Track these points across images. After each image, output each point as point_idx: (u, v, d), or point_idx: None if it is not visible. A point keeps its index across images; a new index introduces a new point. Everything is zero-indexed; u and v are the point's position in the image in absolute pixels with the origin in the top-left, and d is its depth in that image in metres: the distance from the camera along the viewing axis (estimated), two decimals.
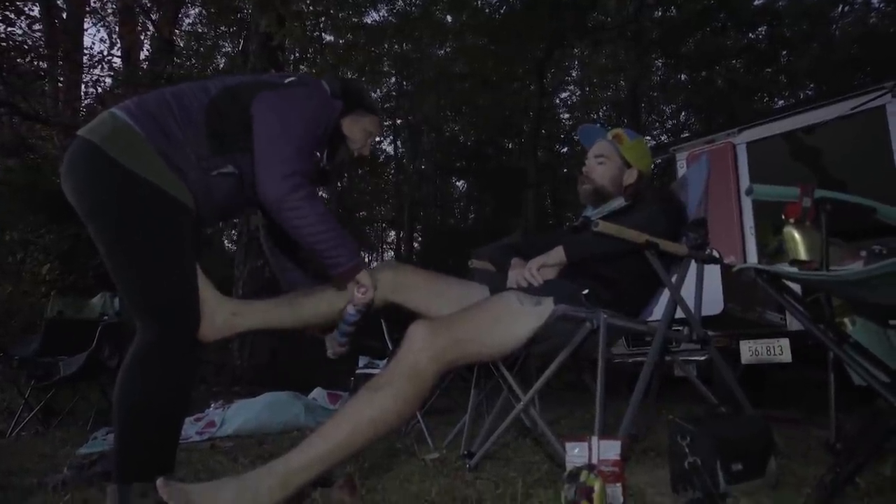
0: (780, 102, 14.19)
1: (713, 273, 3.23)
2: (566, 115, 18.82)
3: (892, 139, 4.02)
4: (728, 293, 3.58)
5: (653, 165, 2.18)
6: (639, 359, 4.13)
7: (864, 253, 1.20)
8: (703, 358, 3.97)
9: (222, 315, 1.68)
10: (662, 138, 18.55)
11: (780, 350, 3.83)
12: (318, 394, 3.83)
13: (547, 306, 1.71)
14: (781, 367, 3.95)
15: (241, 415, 3.27)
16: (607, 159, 2.11)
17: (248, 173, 1.63)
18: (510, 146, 18.13)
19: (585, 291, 1.82)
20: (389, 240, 20.82)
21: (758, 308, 3.87)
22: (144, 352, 1.51)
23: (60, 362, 3.81)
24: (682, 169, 5.01)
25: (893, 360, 1.35)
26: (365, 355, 3.95)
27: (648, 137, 17.76)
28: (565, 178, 15.90)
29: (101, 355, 3.88)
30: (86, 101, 8.08)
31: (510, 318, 1.67)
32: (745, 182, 4.66)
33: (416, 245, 18.94)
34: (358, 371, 4.15)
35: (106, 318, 4.14)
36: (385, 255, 20.62)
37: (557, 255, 1.89)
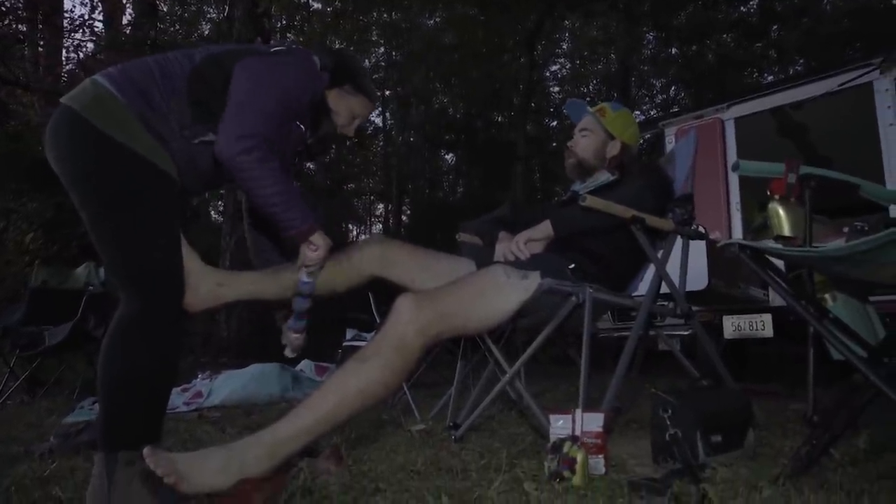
0: (770, 78, 14.18)
1: (698, 248, 3.26)
2: (556, 89, 18.71)
3: (879, 116, 4.04)
4: (712, 269, 3.61)
5: (640, 138, 2.18)
6: (624, 333, 4.17)
7: (846, 229, 1.21)
8: (686, 332, 4.03)
9: (207, 286, 1.68)
10: (652, 113, 18.52)
11: (762, 325, 3.89)
12: (305, 366, 3.84)
13: (533, 280, 1.72)
14: (763, 342, 4.02)
15: (228, 385, 3.29)
16: (590, 132, 2.12)
17: None
18: (499, 119, 18.02)
19: (572, 266, 1.83)
20: (378, 213, 20.78)
21: (741, 284, 3.92)
22: (127, 322, 1.50)
23: (45, 332, 3.79)
24: (670, 144, 5.01)
25: (871, 336, 1.38)
26: (352, 328, 3.97)
27: (638, 112, 17.74)
28: (554, 151, 15.85)
29: (87, 325, 3.86)
30: (67, 67, 7.90)
31: (496, 291, 1.68)
32: (732, 158, 4.68)
33: (404, 218, 18.90)
34: (345, 343, 4.17)
35: (91, 287, 4.11)
36: (373, 227, 20.59)
37: (544, 229, 1.89)
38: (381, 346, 1.49)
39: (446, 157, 19.96)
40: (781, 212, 1.44)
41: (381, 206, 20.55)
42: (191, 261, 1.63)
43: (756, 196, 4.82)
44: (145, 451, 1.29)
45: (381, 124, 18.32)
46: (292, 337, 1.79)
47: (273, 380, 3.42)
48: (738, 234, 4.41)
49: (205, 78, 1.59)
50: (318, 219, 1.67)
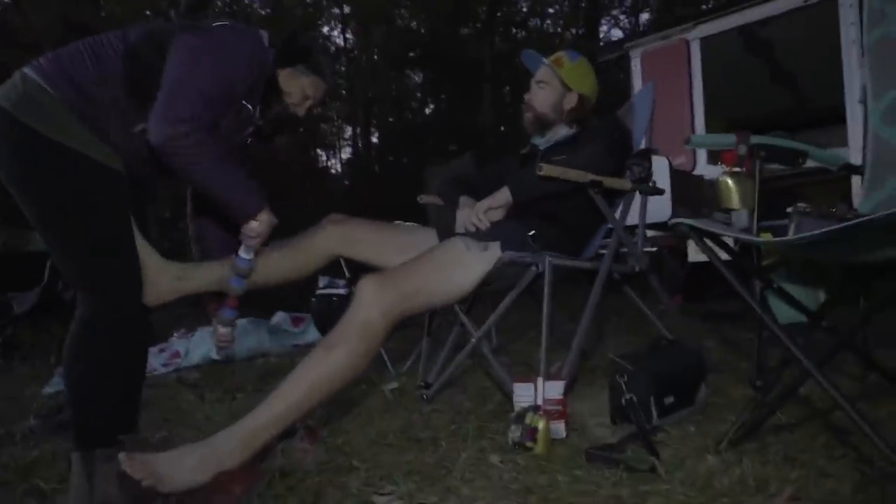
0: None
1: (661, 178, 3.29)
2: None
3: (843, 32, 4.00)
4: (676, 197, 3.66)
5: (597, 90, 2.15)
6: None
7: (789, 209, 1.24)
8: (654, 249, 4.13)
9: (166, 280, 1.67)
10: (622, 17, 18.03)
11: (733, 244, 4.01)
12: (281, 317, 3.88)
13: (494, 252, 1.74)
14: (726, 263, 4.15)
15: (205, 343, 3.32)
16: (547, 84, 2.09)
17: None
18: (466, 32, 17.38)
19: (532, 233, 1.85)
20: (346, 136, 20.30)
21: (704, 210, 4.00)
22: (85, 323, 1.49)
23: (13, 300, 3.75)
24: (635, 67, 4.94)
25: (813, 301, 1.45)
26: (324, 276, 4.00)
27: (606, 21, 17.24)
28: (524, 69, 15.45)
29: (56, 289, 3.82)
30: None
31: (457, 266, 1.70)
32: (697, 80, 4.64)
33: (374, 140, 18.53)
34: (319, 292, 4.22)
35: None
36: (343, 152, 20.17)
37: (503, 196, 1.90)
38: (346, 332, 1.52)
39: (413, 76, 19.35)
40: (731, 184, 1.47)
41: (349, 129, 20.06)
42: (147, 255, 1.61)
43: (721, 117, 4.83)
44: (121, 456, 1.33)
45: (342, 44, 17.57)
46: (221, 332, 1.77)
47: (250, 334, 3.46)
48: (702, 159, 4.44)
49: (140, 58, 1.51)
50: (263, 198, 1.61)
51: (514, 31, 17.67)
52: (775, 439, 1.38)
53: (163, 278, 1.65)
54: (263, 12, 15.36)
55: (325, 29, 17.64)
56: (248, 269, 1.70)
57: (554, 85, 2.10)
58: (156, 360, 3.23)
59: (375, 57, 17.59)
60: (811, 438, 1.38)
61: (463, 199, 2.04)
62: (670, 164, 3.59)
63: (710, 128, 4.62)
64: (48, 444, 1.97)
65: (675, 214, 3.59)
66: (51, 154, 1.43)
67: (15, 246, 4.17)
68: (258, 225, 1.62)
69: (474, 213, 1.89)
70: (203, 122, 1.48)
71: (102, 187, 1.49)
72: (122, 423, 1.54)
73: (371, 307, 1.53)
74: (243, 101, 1.65)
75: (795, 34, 4.63)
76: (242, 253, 1.68)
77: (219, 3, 10.71)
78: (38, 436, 2.11)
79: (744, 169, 1.41)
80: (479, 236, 1.81)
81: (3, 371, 3.67)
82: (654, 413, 1.54)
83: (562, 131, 2.13)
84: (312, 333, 3.74)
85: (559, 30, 17.76)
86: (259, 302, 4.94)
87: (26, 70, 1.48)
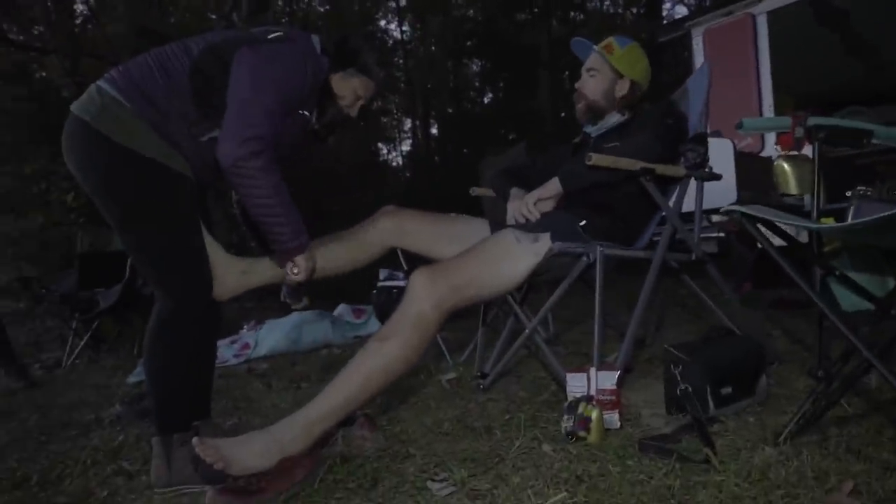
0: None
1: (726, 160, 3.18)
2: None
3: None
4: (742, 180, 3.52)
5: (649, 74, 2.10)
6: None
7: (849, 193, 1.19)
8: (721, 235, 3.99)
9: (233, 275, 1.76)
10: None
11: (796, 231, 3.83)
12: (343, 309, 4.01)
13: (544, 243, 1.74)
14: (782, 249, 3.96)
15: (272, 335, 3.48)
16: (597, 72, 2.07)
17: None
18: (522, 17, 17.15)
19: (583, 223, 1.84)
20: (406, 129, 20.48)
21: (773, 193, 3.84)
22: (164, 319, 1.61)
23: (98, 295, 4.03)
24: (697, 46, 4.76)
25: (881, 288, 1.38)
26: (384, 268, 4.08)
27: (667, 0, 16.61)
28: None
29: (136, 285, 4.08)
30: (79, 21, 7.83)
31: (508, 258, 1.71)
32: (765, 56, 4.43)
33: (434, 131, 18.62)
34: (379, 284, 4.29)
35: None
36: (403, 144, 20.36)
37: (553, 186, 1.90)
38: (399, 325, 1.56)
39: (470, 66, 19.29)
40: (787, 168, 1.41)
41: (409, 121, 20.22)
42: (215, 253, 1.71)
43: (792, 94, 4.60)
44: (194, 441, 1.42)
45: (399, 37, 17.72)
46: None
47: (313, 326, 3.59)
48: (770, 141, 4.23)
49: (204, 73, 1.60)
50: (307, 241, 1.70)
51: (571, 14, 17.33)
52: (838, 431, 1.33)
53: (230, 274, 1.74)
54: (322, 9, 15.66)
55: (383, 22, 17.85)
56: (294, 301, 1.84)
57: (605, 72, 2.07)
58: (227, 352, 3.41)
59: (433, 48, 17.66)
60: (877, 432, 1.33)
61: (513, 191, 2.05)
62: (734, 146, 3.45)
63: (778, 106, 4.40)
64: (133, 428, 2.14)
65: (740, 198, 3.47)
66: (130, 163, 1.54)
67: (100, 245, 4.47)
68: (297, 277, 1.72)
69: (524, 205, 1.90)
70: (269, 139, 1.56)
71: (177, 193, 1.60)
72: (196, 411, 1.66)
73: (423, 300, 1.56)
74: (300, 110, 1.72)
75: (872, 1, 4.34)
76: (284, 288, 1.82)
77: (279, 3, 10.99)
78: (124, 421, 2.28)
79: (800, 152, 1.36)
80: (530, 227, 1.82)
81: (91, 362, 3.97)
82: (711, 403, 1.52)
83: (613, 118, 2.10)
84: (374, 325, 3.84)
85: (619, 10, 17.28)
86: (323, 293, 5.13)
87: (102, 84, 1.59)
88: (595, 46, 2.10)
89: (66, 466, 1.75)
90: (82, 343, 4.08)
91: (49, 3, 7.11)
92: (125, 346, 4.27)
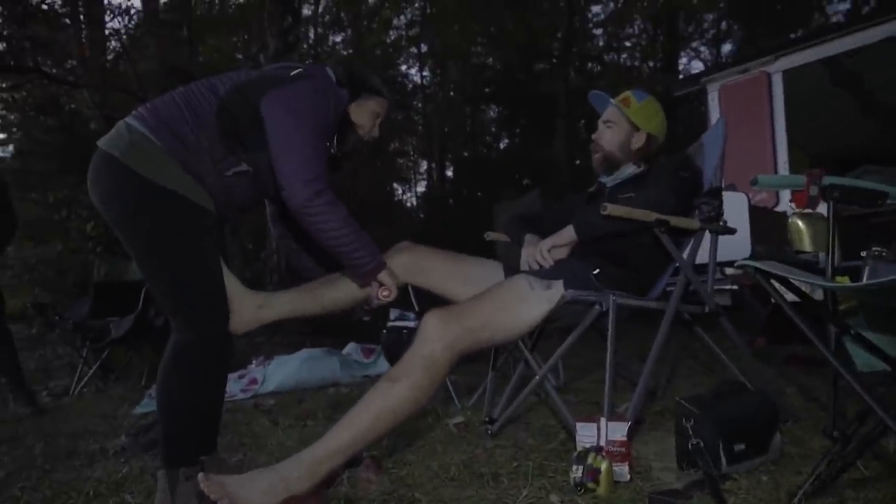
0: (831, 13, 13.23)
1: (740, 215, 3.19)
2: (598, 31, 17.99)
3: None
4: (756, 235, 3.51)
5: (665, 129, 2.14)
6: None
7: (864, 253, 1.19)
8: (735, 287, 3.96)
9: (249, 309, 1.78)
10: (702, 49, 17.68)
11: (811, 288, 3.80)
12: (352, 348, 4.00)
13: (557, 290, 1.75)
14: (797, 306, 3.93)
15: (280, 371, 3.47)
16: (614, 124, 2.11)
17: (263, 169, 1.68)
18: (541, 67, 17.52)
19: (596, 271, 1.85)
20: (422, 170, 20.74)
21: (786, 248, 3.83)
22: (180, 350, 1.62)
23: (111, 324, 4.06)
24: (713, 102, 4.84)
25: None
26: (395, 308, 4.08)
27: (684, 55, 16.93)
28: None
29: (148, 316, 4.10)
30: (110, 57, 8.12)
31: (521, 304, 1.72)
32: (780, 114, 4.49)
33: (449, 174, 18.84)
34: (390, 324, 4.29)
35: None
36: (418, 185, 20.59)
37: (568, 234, 1.91)
38: (410, 366, 1.56)
39: (487, 112, 19.65)
40: (802, 225, 1.42)
41: (424, 163, 20.50)
42: (232, 286, 1.74)
43: (806, 154, 4.63)
44: (200, 477, 1.42)
45: (419, 81, 18.14)
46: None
47: (322, 364, 3.58)
48: (785, 196, 4.25)
49: (232, 112, 1.65)
50: (383, 261, 1.78)
51: (589, 65, 17.67)
52: (854, 495, 1.30)
53: (246, 308, 1.77)
54: (346, 52, 16.11)
55: (404, 67, 18.31)
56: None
57: (622, 124, 2.11)
58: (235, 386, 3.40)
59: (451, 93, 18.03)
60: (894, 498, 1.30)
61: (528, 237, 2.07)
62: (749, 200, 3.47)
63: (793, 163, 4.43)
64: (137, 461, 2.12)
65: (754, 252, 3.46)
66: (156, 196, 1.58)
67: (115, 275, 4.52)
68: (388, 297, 1.82)
69: (538, 251, 1.92)
70: (325, 175, 1.63)
71: (201, 227, 1.64)
72: (204, 445, 1.65)
73: (435, 341, 1.57)
74: (326, 142, 1.77)
75: (888, 65, 4.41)
76: (374, 303, 1.87)
77: (304, 46, 11.35)
78: (129, 453, 2.26)
79: (815, 210, 1.37)
80: (543, 274, 1.83)
81: (99, 391, 3.97)
82: (723, 460, 1.49)
83: (629, 169, 2.13)
84: (382, 365, 3.82)
85: (636, 63, 17.60)
86: (332, 332, 5.14)
87: (130, 121, 1.64)
88: (612, 100, 2.15)
89: (69, 497, 1.74)
90: (91, 371, 4.09)
91: (84, 40, 7.44)
92: (133, 377, 4.28)
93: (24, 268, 6.81)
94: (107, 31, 8.20)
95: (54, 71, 6.91)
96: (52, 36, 6.97)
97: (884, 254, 1.17)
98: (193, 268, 1.63)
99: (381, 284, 1.80)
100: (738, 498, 1.37)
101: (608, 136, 2.12)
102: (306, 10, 13.39)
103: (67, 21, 7.80)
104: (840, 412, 1.33)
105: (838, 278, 1.39)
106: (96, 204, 1.67)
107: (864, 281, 1.15)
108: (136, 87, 7.37)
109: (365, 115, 1.86)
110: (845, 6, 13.54)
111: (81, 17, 7.59)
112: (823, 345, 1.20)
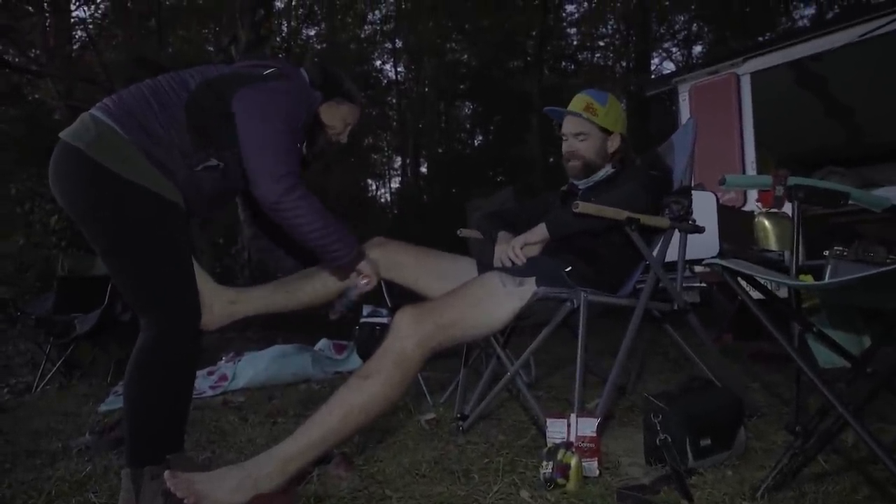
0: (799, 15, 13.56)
1: (708, 213, 3.25)
2: (573, 30, 18.14)
3: None
4: (724, 233, 3.58)
5: (626, 122, 2.15)
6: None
7: (826, 252, 1.22)
8: (703, 285, 4.03)
9: (220, 304, 1.76)
10: (673, 50, 17.96)
11: (775, 287, 3.89)
12: (323, 344, 3.97)
13: (529, 287, 1.76)
14: (761, 303, 4.02)
15: (250, 368, 3.42)
16: (587, 135, 2.08)
17: (232, 164, 1.65)
18: (515, 65, 17.59)
19: (568, 269, 1.86)
20: (396, 166, 20.68)
21: (753, 247, 3.91)
22: (149, 347, 1.58)
23: (76, 320, 3.95)
24: (684, 101, 4.91)
25: (857, 346, 1.41)
26: (368, 304, 4.06)
27: (656, 55, 17.18)
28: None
29: (114, 311, 4.01)
30: (76, 46, 7.91)
31: (493, 300, 1.72)
32: (748, 114, 4.57)
33: (423, 170, 18.82)
34: (362, 320, 4.27)
35: None
36: (392, 182, 20.54)
37: (540, 232, 1.92)
38: (382, 362, 1.56)
39: (462, 108, 19.68)
40: (768, 225, 1.45)
41: (399, 159, 20.44)
42: (203, 282, 1.71)
43: (773, 154, 4.73)
44: (166, 474, 1.40)
45: (393, 77, 18.07)
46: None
47: (293, 360, 3.55)
48: (752, 195, 4.34)
49: (202, 106, 1.62)
50: (361, 252, 1.78)
51: (563, 63, 17.81)
52: (815, 488, 1.34)
53: (218, 304, 1.74)
54: (319, 47, 15.96)
55: (378, 63, 18.22)
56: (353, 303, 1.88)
57: (594, 133, 2.07)
58: (204, 383, 3.35)
59: (426, 89, 18.00)
60: (853, 490, 1.34)
61: (501, 234, 2.07)
62: (717, 199, 3.53)
63: (760, 163, 4.53)
64: (102, 459, 2.07)
65: (722, 251, 3.53)
66: (122, 191, 1.54)
67: (80, 270, 4.41)
68: (369, 285, 1.82)
69: (511, 248, 1.92)
70: (297, 171, 1.61)
71: (168, 221, 1.60)
72: (170, 443, 1.62)
73: (407, 338, 1.57)
74: (297, 142, 1.75)
75: (851, 69, 4.53)
76: (353, 294, 1.85)
77: (277, 39, 11.20)
78: (93, 451, 2.21)
79: (780, 210, 1.40)
80: (515, 271, 1.83)
81: (62, 388, 3.86)
82: (690, 455, 1.52)
83: (602, 172, 2.14)
84: (354, 361, 3.80)
85: (609, 62, 17.79)
86: (304, 328, 5.09)
87: (95, 112, 1.59)
88: (582, 113, 2.08)
89: (30, 497, 1.69)
90: (55, 368, 3.98)
91: (48, 28, 7.22)
92: (99, 374, 4.18)
93: None
94: (73, 20, 7.99)
95: (17, 60, 6.70)
96: (15, 24, 6.76)
97: (845, 253, 1.21)
98: (162, 264, 1.60)
99: (362, 273, 1.79)
100: (704, 492, 1.40)
101: (585, 147, 2.07)
102: (279, 3, 13.24)
103: (30, 9, 7.59)
104: (802, 407, 1.36)
105: (802, 277, 1.42)
106: (58, 198, 1.62)
107: (826, 280, 1.18)
108: (102, 77, 7.19)
109: (336, 118, 1.86)
110: (810, 11, 13.89)
111: (46, 4, 7.38)
112: (787, 341, 1.23)
